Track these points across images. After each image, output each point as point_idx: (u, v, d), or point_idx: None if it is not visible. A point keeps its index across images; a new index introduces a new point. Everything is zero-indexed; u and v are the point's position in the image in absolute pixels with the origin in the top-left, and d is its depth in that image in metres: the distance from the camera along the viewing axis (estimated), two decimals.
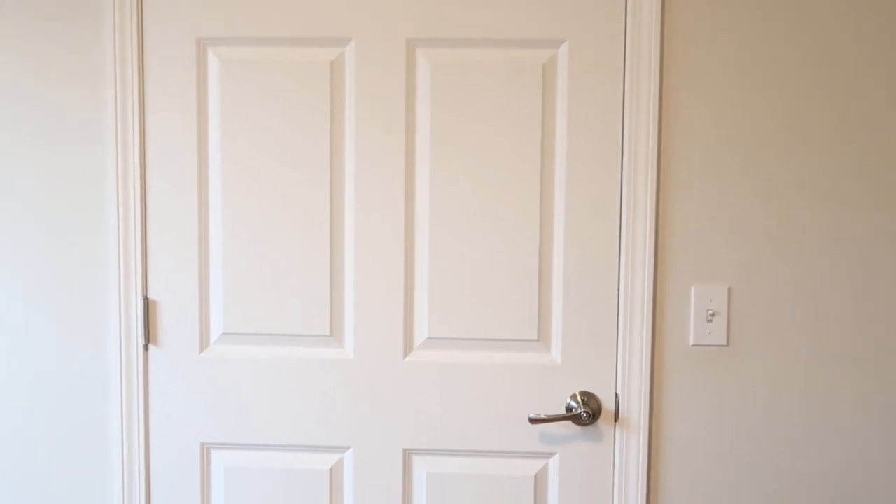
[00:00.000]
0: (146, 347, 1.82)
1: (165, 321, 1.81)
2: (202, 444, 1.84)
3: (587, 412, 1.74)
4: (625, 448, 1.77)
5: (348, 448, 1.82)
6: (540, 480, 1.80)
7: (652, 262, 1.73)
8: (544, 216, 1.75)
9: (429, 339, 1.79)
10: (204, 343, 1.82)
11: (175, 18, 1.75)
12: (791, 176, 1.74)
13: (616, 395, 1.77)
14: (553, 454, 1.79)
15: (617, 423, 1.77)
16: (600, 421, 1.77)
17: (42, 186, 1.79)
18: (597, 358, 1.76)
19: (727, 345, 1.76)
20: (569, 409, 1.77)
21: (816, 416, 1.78)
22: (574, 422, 1.75)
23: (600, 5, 1.70)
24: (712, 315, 1.75)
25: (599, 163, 1.73)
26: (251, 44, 1.75)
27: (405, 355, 1.79)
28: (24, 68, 1.77)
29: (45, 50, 1.76)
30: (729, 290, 1.75)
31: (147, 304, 1.81)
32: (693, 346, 1.76)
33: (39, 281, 1.80)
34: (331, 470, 1.83)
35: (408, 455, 1.82)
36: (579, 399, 1.76)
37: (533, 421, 1.73)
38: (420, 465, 1.82)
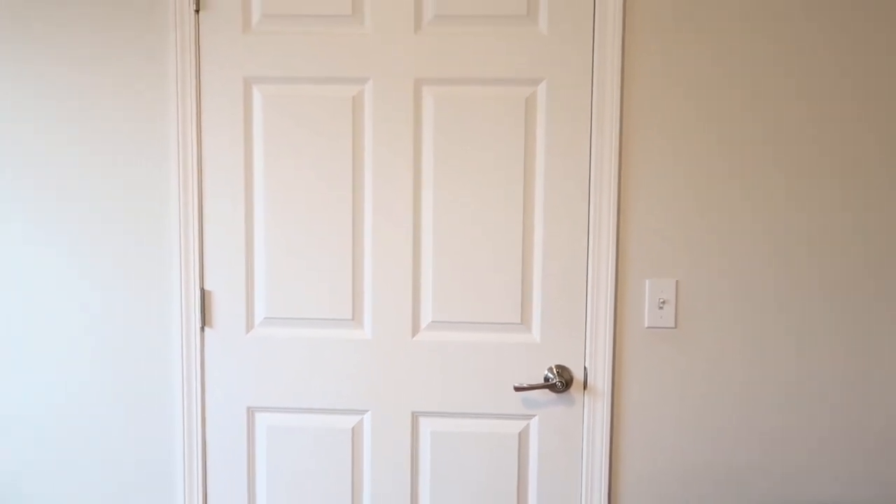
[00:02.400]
0: (202, 329, 2.21)
1: (218, 308, 2.20)
2: (248, 408, 2.23)
3: (561, 381, 2.13)
4: (592, 411, 2.16)
5: (367, 411, 2.21)
6: (523, 437, 2.19)
7: (614, 260, 2.12)
8: (526, 222, 2.13)
9: (433, 322, 2.17)
10: (250, 325, 2.21)
11: (226, 62, 2.13)
12: (727, 190, 2.10)
13: (585, 368, 2.15)
14: (534, 416, 2.18)
15: (586, 391, 2.16)
16: (572, 389, 2.16)
17: (120, 199, 2.18)
18: (569, 337, 2.15)
19: (675, 327, 2.13)
20: (546, 379, 2.16)
21: (745, 384, 2.15)
22: (551, 390, 2.14)
23: (572, 51, 2.08)
24: (663, 303, 2.12)
25: (571, 179, 2.11)
26: (288, 82, 2.12)
27: (413, 335, 2.18)
28: (98, 99, 2.16)
29: (115, 90, 2.15)
30: (676, 282, 2.12)
31: (203, 294, 2.20)
32: (647, 328, 2.14)
33: (116, 276, 2.20)
34: (352, 429, 2.22)
35: (415, 417, 2.21)
36: (555, 371, 2.15)
37: (517, 389, 2.12)
38: (425, 425, 2.21)
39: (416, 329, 2.18)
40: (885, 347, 2.12)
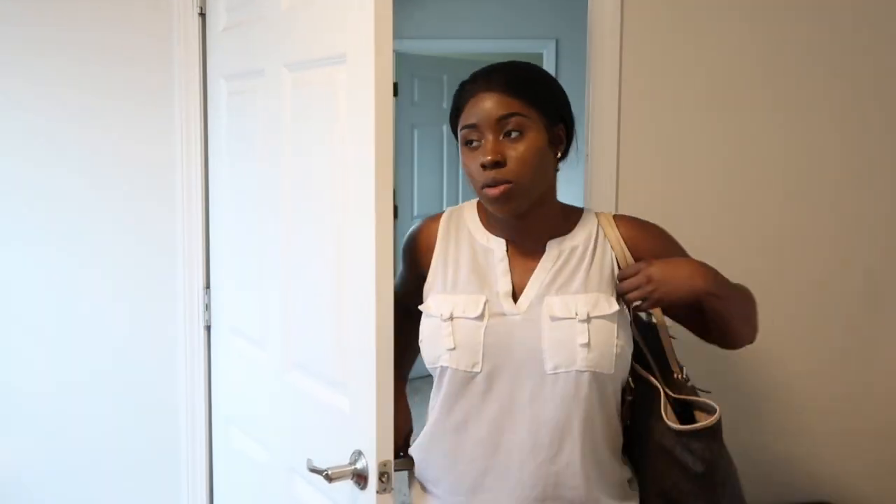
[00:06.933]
0: (207, 329, 2.20)
1: (214, 307, 2.17)
2: (225, 416, 2.13)
3: (355, 474, 1.46)
4: None
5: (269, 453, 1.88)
6: None
7: None
8: (342, 240, 1.53)
9: (292, 361, 1.75)
10: (227, 329, 2.10)
11: (216, 64, 2.10)
12: (719, 187, 2.19)
13: (382, 464, 1.42)
14: None
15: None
16: (367, 491, 1.45)
17: (130, 204, 2.17)
18: (368, 407, 1.43)
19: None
20: (350, 461, 1.49)
21: (740, 382, 2.20)
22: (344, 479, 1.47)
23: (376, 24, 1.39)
24: None
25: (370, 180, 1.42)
26: (232, 78, 2.01)
27: (284, 374, 1.78)
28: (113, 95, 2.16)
29: (132, 87, 2.15)
30: None
31: (209, 293, 2.19)
32: None
33: (132, 278, 2.18)
34: (264, 472, 1.91)
35: (291, 474, 1.77)
36: (351, 457, 1.48)
37: (311, 469, 1.51)
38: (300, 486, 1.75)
39: (285, 367, 1.77)
40: (880, 343, 2.19)
